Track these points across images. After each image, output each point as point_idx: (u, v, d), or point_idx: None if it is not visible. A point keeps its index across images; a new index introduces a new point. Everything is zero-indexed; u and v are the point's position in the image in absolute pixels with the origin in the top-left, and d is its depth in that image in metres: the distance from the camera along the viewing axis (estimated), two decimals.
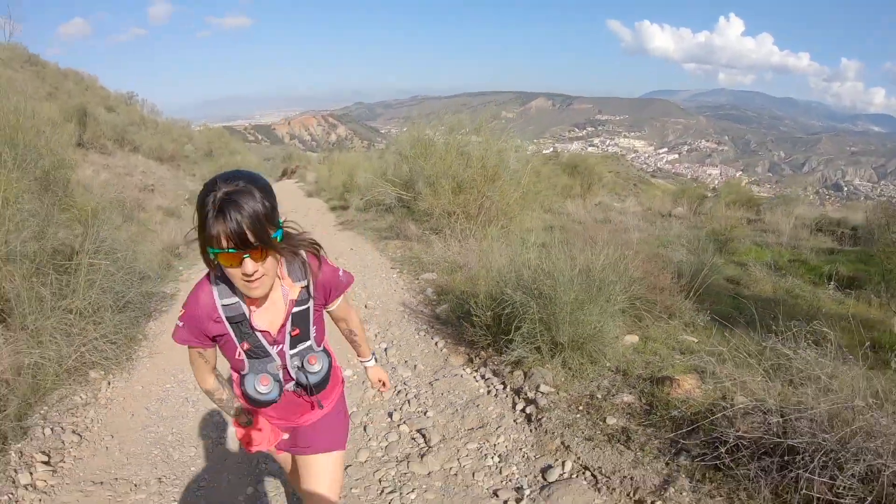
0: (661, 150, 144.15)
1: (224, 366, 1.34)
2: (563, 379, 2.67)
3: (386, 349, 3.47)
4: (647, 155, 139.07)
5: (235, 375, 1.39)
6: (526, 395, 2.62)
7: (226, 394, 1.41)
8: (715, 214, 15.20)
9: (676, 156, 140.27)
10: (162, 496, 2.17)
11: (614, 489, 1.96)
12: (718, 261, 7.46)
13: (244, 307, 1.25)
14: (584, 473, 2.08)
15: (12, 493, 2.03)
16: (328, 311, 1.46)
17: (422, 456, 2.32)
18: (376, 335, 3.69)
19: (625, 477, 2.00)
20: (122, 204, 5.54)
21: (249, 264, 1.09)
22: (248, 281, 1.12)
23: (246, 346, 1.28)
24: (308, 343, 1.36)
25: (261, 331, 1.28)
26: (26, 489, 2.07)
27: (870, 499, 1.66)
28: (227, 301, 1.23)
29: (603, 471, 2.06)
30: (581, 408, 2.47)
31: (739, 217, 13.93)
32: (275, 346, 1.31)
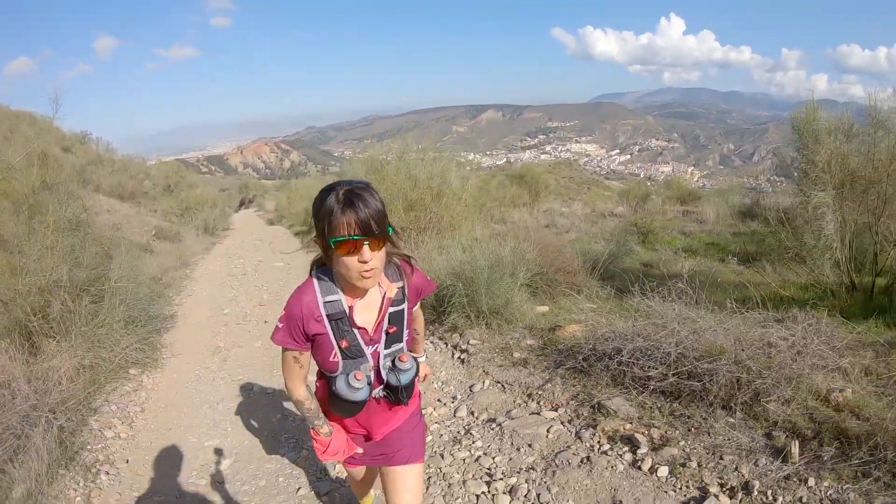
0: (612, 153, 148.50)
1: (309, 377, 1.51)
2: (486, 335, 3.75)
3: None
4: (599, 158, 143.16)
5: (319, 384, 1.50)
6: (460, 347, 3.68)
7: (314, 404, 1.47)
8: (651, 210, 16.79)
9: (628, 156, 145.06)
10: (216, 428, 3.12)
11: (514, 390, 3.04)
12: (637, 249, 8.81)
13: (345, 305, 1.35)
14: (496, 385, 3.15)
15: (104, 442, 2.91)
16: None
17: None
18: None
19: (521, 383, 3.07)
20: (126, 240, 6.32)
21: (367, 251, 1.22)
22: (364, 271, 1.25)
23: (344, 343, 1.36)
24: (401, 345, 1.45)
25: (359, 328, 1.37)
26: (114, 439, 2.96)
27: (670, 374, 2.76)
28: (329, 298, 1.35)
29: (508, 381, 3.14)
30: (497, 351, 3.55)
31: (677, 210, 15.45)
32: (370, 346, 1.40)
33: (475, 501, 2.26)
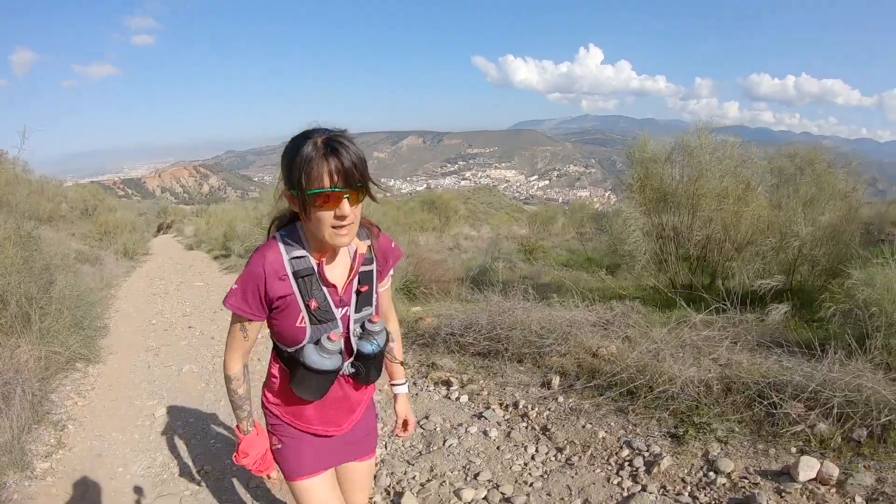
0: (531, 178, 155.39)
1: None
2: None
3: None
4: (518, 184, 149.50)
5: (276, 371, 1.40)
6: None
7: (244, 388, 1.39)
8: (553, 232, 18.89)
9: (547, 182, 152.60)
10: (154, 396, 4.07)
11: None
12: (521, 264, 10.43)
13: (312, 261, 1.27)
14: None
15: (66, 408, 3.79)
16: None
17: None
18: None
19: None
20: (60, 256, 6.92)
21: (347, 205, 1.14)
22: (338, 226, 1.16)
23: (314, 304, 1.26)
24: (371, 309, 1.37)
25: (329, 285, 1.28)
26: (73, 406, 3.84)
27: (482, 340, 4.12)
28: (294, 254, 1.25)
29: None
30: None
31: (575, 231, 17.40)
32: (340, 309, 1.31)
33: None
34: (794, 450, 2.40)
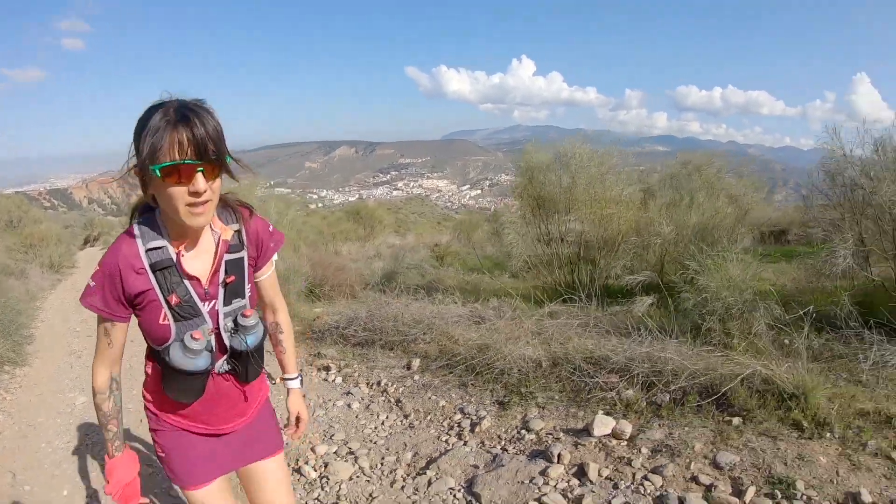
0: (463, 188, 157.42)
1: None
2: None
3: None
4: (450, 193, 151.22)
5: (150, 368, 1.29)
6: None
7: (110, 404, 1.25)
8: (475, 240, 19.63)
9: (479, 191, 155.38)
10: (76, 388, 4.20)
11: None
12: (430, 269, 10.87)
13: (171, 251, 1.15)
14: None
15: None
16: (257, 282, 1.37)
17: None
18: None
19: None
20: None
21: (201, 180, 1.03)
22: (193, 204, 1.06)
23: (175, 299, 1.15)
24: (243, 301, 1.27)
25: (191, 277, 1.17)
26: (1, 401, 3.97)
27: (360, 332, 4.49)
28: (152, 244, 1.14)
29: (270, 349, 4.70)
30: None
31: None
32: (206, 304, 1.20)
33: None
34: (601, 412, 2.85)
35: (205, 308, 1.20)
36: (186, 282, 1.17)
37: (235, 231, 1.25)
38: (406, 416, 3.21)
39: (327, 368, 4.08)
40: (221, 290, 1.23)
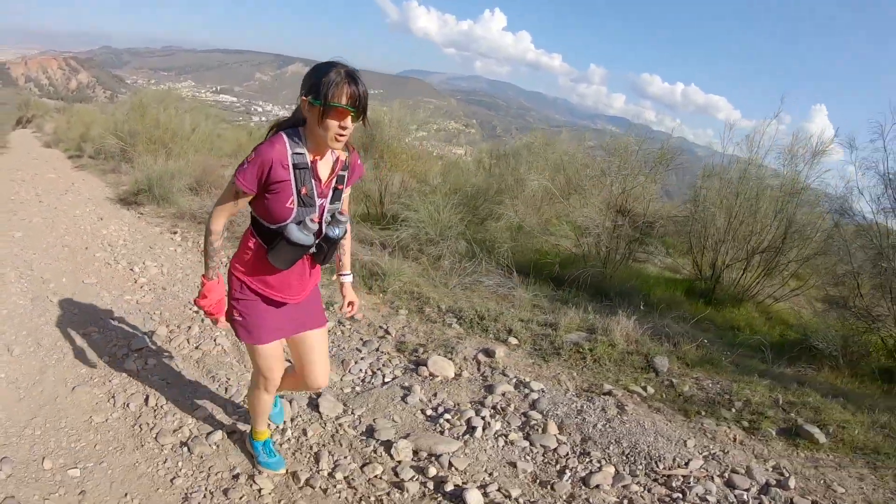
0: (411, 126, 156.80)
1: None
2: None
3: (101, 217, 6.99)
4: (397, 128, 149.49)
5: (253, 243, 1.73)
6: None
7: (220, 242, 1.73)
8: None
9: (424, 133, 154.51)
10: (13, 230, 5.73)
11: None
12: None
13: (308, 158, 1.61)
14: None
15: None
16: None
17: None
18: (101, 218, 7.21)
19: None
20: None
21: (350, 121, 1.53)
22: (339, 134, 1.54)
23: (304, 190, 1.62)
24: (339, 204, 1.75)
25: (317, 178, 1.64)
26: None
27: None
28: (297, 150, 1.59)
29: None
30: None
31: None
32: (320, 199, 1.67)
33: None
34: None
35: (318, 202, 1.66)
36: (314, 181, 1.63)
37: (346, 157, 1.72)
38: None
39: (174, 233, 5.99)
40: (331, 193, 1.69)
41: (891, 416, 3.03)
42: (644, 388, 3.19)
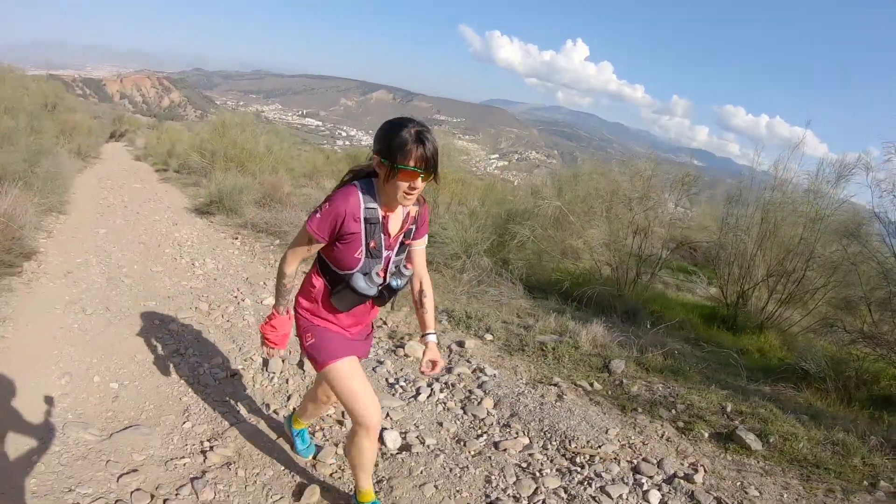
0: (492, 156, 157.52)
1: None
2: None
3: (176, 222, 8.41)
4: (478, 159, 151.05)
5: (318, 282, 1.83)
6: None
7: (291, 284, 1.86)
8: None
9: (506, 163, 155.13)
10: (100, 226, 6.84)
11: None
12: None
13: (380, 213, 1.69)
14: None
15: (49, 230, 6.67)
16: (411, 249, 1.89)
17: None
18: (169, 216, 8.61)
19: None
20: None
21: (420, 181, 1.59)
22: (408, 193, 1.61)
23: (373, 244, 1.70)
24: (403, 257, 1.84)
25: (387, 232, 1.73)
26: (53, 226, 6.61)
27: None
28: (369, 205, 1.67)
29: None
30: None
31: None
32: (387, 251, 1.76)
33: None
34: None
35: (385, 254, 1.76)
36: (383, 235, 1.73)
37: (416, 211, 1.80)
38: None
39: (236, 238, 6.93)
40: (398, 246, 1.79)
41: (849, 436, 3.03)
42: (591, 384, 3.54)
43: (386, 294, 1.82)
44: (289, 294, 1.89)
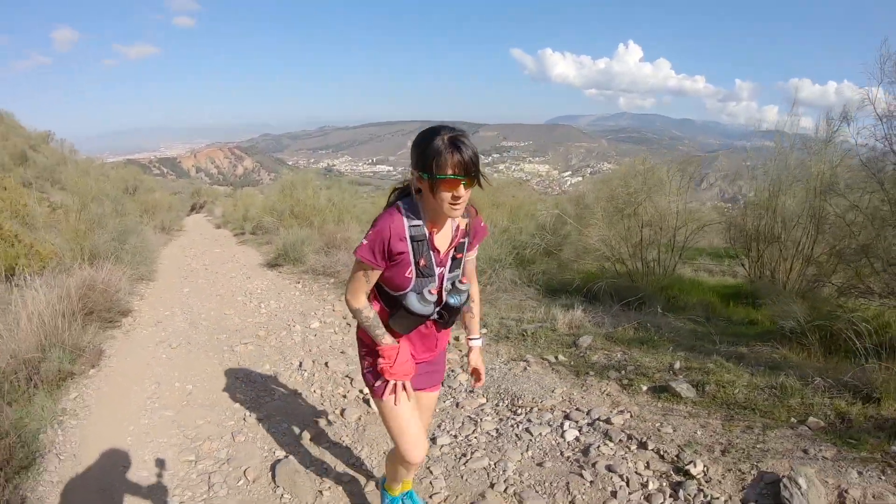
0: (565, 174, 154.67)
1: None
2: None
3: (249, 276, 9.97)
4: (551, 179, 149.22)
5: (377, 307, 1.79)
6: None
7: (372, 312, 1.77)
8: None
9: (580, 178, 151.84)
10: (184, 287, 8.56)
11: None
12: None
13: (426, 230, 1.64)
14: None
15: (140, 294, 8.39)
16: (465, 260, 1.81)
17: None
18: (248, 276, 10.15)
19: None
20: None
21: (462, 189, 1.52)
22: (453, 204, 1.54)
23: (422, 262, 1.65)
24: (459, 272, 1.78)
25: (435, 249, 1.68)
26: (144, 293, 8.37)
27: None
28: (413, 223, 1.62)
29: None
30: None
31: None
32: (439, 269, 1.70)
33: None
34: None
35: (437, 272, 1.72)
36: (431, 252, 1.69)
37: (468, 223, 1.76)
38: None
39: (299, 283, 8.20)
40: (450, 262, 1.74)
41: (788, 379, 3.18)
42: (556, 357, 4.15)
43: (445, 314, 1.81)
44: (378, 321, 1.81)
